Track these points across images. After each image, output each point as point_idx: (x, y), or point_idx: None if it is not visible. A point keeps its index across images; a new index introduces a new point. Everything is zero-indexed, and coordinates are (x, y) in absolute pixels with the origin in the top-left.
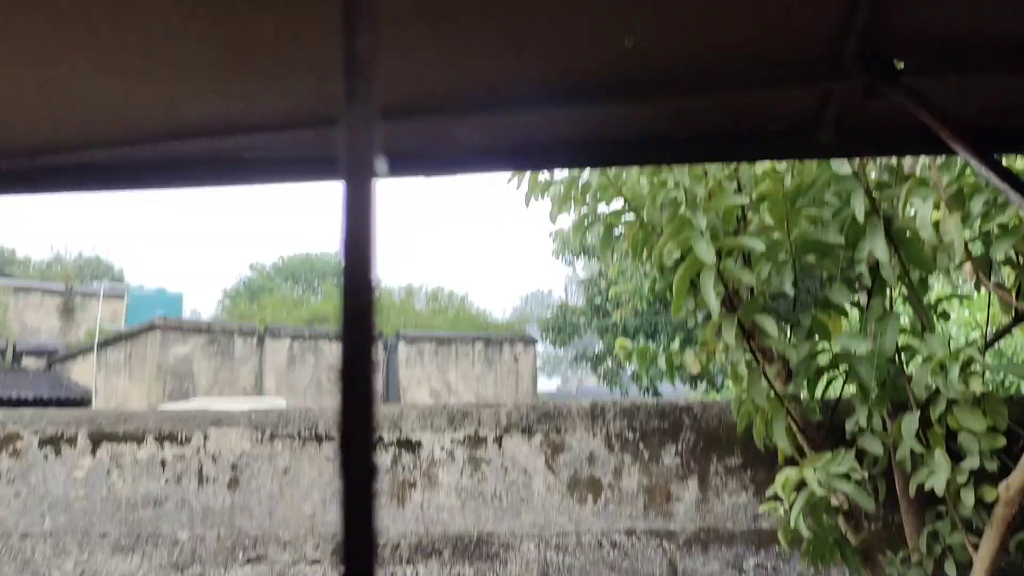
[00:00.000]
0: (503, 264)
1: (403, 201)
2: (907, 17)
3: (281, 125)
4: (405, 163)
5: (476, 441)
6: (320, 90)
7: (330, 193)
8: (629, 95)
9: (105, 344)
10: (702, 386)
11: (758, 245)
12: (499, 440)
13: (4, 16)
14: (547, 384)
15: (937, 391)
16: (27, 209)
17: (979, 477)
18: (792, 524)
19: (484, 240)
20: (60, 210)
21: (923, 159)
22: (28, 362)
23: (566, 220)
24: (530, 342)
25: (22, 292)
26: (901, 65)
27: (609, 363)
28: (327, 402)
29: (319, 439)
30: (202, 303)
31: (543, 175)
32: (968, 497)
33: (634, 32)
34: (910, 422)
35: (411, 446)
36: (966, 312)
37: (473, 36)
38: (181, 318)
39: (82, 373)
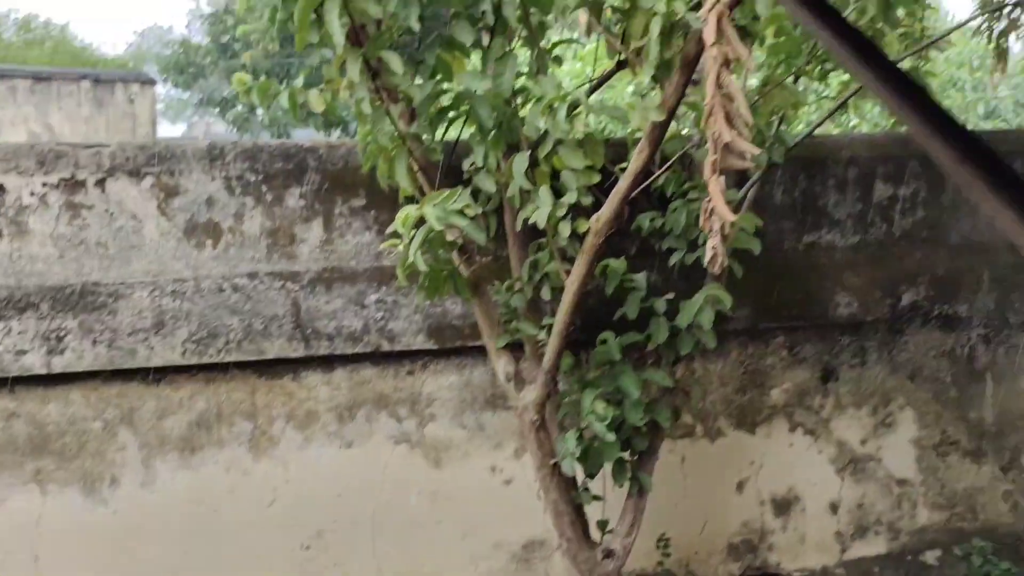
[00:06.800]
0: None
1: None
2: None
3: None
4: None
5: (74, 185)
6: None
7: None
8: None
9: None
10: (336, 132)
11: None
12: (102, 183)
13: None
14: (171, 130)
15: (546, 132)
16: None
17: (576, 212)
18: (411, 259)
19: None
20: None
21: None
22: None
23: None
24: (148, 83)
25: None
26: None
27: (239, 108)
28: None
29: None
30: None
31: None
32: (565, 229)
33: None
34: (520, 161)
35: None
36: (579, 65)
37: None
38: None
39: None
